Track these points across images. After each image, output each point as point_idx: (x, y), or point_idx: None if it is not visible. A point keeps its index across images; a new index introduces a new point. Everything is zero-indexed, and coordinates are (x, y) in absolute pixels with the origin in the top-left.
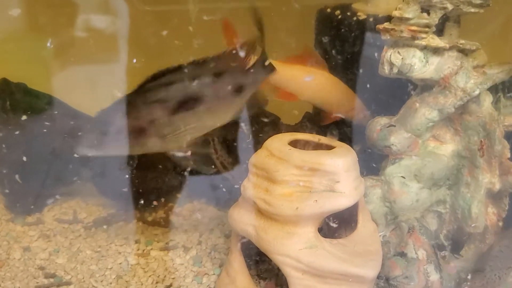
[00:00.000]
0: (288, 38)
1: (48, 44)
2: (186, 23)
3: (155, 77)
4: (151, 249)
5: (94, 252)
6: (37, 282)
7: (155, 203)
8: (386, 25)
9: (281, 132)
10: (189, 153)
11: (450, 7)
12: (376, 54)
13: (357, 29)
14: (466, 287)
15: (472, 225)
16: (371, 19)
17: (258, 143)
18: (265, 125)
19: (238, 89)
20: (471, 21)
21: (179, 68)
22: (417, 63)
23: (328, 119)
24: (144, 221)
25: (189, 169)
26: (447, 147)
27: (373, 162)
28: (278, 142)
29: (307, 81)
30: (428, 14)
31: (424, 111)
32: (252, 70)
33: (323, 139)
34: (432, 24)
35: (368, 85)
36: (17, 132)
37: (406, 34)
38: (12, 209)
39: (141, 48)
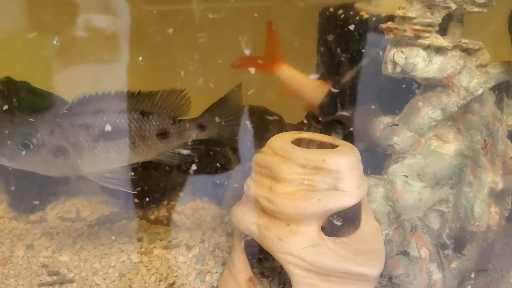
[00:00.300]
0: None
1: (55, 42)
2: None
3: (85, 101)
4: (154, 247)
5: (97, 250)
6: (40, 280)
7: (158, 201)
8: (390, 24)
9: (285, 131)
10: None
11: (453, 6)
12: (379, 53)
13: (360, 28)
14: (469, 286)
15: (475, 224)
16: (374, 19)
17: (261, 142)
18: (269, 123)
19: (163, 135)
20: (474, 20)
21: (111, 97)
22: (420, 62)
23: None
24: (147, 219)
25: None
26: (450, 146)
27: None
28: (281, 141)
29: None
30: (432, 13)
31: (427, 110)
32: (180, 124)
33: (326, 138)
34: (435, 24)
35: (371, 84)
36: None
37: (409, 33)
38: (16, 207)
39: (144, 47)
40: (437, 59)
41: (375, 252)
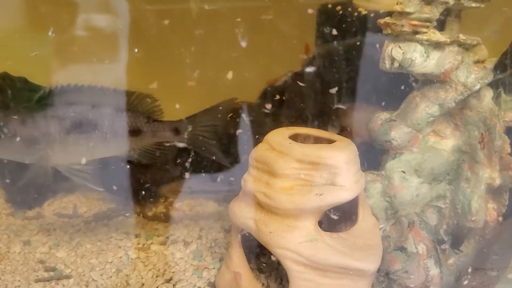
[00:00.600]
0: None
1: (50, 33)
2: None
3: (61, 92)
4: (152, 243)
5: (94, 246)
6: (37, 276)
7: (155, 198)
8: (387, 19)
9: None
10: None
11: (451, 1)
12: (377, 49)
13: (358, 25)
14: (466, 281)
15: (472, 219)
16: (372, 15)
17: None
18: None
19: (135, 133)
20: (472, 15)
21: (84, 90)
22: (418, 58)
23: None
24: (144, 215)
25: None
26: (447, 142)
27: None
28: (278, 136)
29: None
30: (430, 8)
31: (424, 106)
32: (154, 124)
33: (324, 133)
34: (433, 19)
35: (370, 80)
36: None
37: (407, 28)
38: (13, 203)
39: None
40: (435, 55)
41: (372, 248)
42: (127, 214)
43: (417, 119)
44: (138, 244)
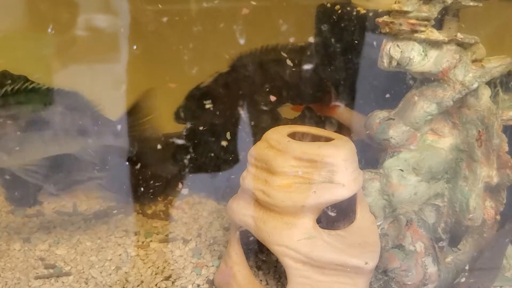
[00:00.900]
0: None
1: (49, 30)
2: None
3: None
4: (151, 241)
5: (94, 243)
6: (37, 273)
7: (155, 196)
8: (386, 18)
9: (281, 125)
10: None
11: (449, 0)
12: (375, 48)
13: (357, 24)
14: (464, 279)
15: (470, 217)
16: (370, 14)
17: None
18: (264, 117)
19: (82, 131)
20: (470, 14)
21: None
22: (416, 56)
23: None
24: (144, 214)
25: None
26: (445, 141)
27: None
28: (277, 134)
29: None
30: (428, 7)
31: (422, 104)
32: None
33: (322, 131)
34: (431, 18)
35: (367, 79)
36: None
37: (405, 27)
38: (13, 201)
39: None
40: (433, 53)
41: (370, 245)
42: (127, 212)
43: (415, 117)
44: (138, 242)
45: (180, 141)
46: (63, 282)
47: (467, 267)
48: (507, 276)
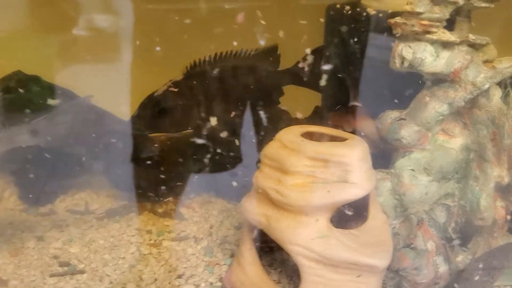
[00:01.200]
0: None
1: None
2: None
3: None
4: (163, 239)
5: (107, 242)
6: (51, 271)
7: (165, 195)
8: (398, 19)
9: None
10: None
11: (461, 1)
12: (385, 50)
13: (367, 25)
14: (478, 277)
15: (481, 217)
16: (380, 15)
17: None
18: (276, 118)
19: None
20: (481, 15)
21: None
22: (428, 57)
23: None
24: (155, 212)
25: None
26: (456, 141)
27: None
28: (290, 134)
29: None
30: (440, 8)
31: (434, 105)
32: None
33: (334, 131)
34: (443, 19)
35: (377, 79)
36: None
37: (417, 28)
38: (25, 200)
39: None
40: (445, 54)
41: (383, 244)
42: (138, 211)
43: (427, 117)
44: (150, 240)
45: (200, 141)
46: (77, 280)
47: (480, 266)
48: None
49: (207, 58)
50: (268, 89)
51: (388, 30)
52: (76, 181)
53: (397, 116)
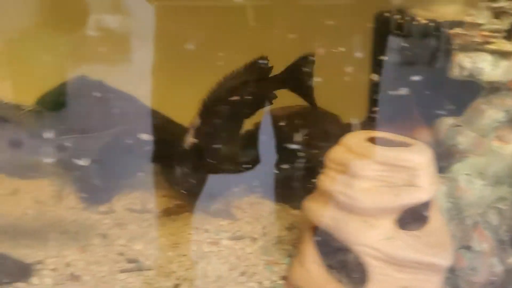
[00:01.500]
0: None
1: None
2: None
3: None
4: (221, 238)
5: (168, 239)
6: (120, 267)
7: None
8: (459, 30)
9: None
10: None
11: None
12: (443, 59)
13: (418, 33)
14: None
15: None
16: (432, 24)
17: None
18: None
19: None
20: None
21: None
22: (487, 67)
23: None
24: (207, 212)
25: None
26: (510, 147)
27: None
28: (356, 139)
29: None
30: (499, 19)
31: (491, 112)
32: None
33: (398, 137)
34: (502, 29)
35: (433, 86)
36: None
37: (478, 39)
38: (84, 199)
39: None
40: (503, 64)
41: (444, 245)
42: (192, 210)
43: (483, 124)
44: (208, 239)
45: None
46: (146, 276)
47: None
48: None
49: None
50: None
51: (440, 39)
52: (128, 181)
53: (453, 122)
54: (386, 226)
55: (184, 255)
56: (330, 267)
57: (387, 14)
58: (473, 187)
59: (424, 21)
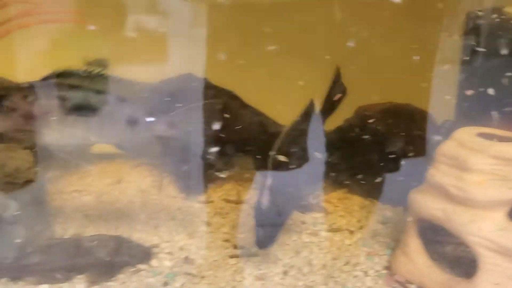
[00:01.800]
0: None
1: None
2: None
3: None
4: (319, 230)
5: None
6: (228, 252)
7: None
8: None
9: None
10: None
11: None
12: None
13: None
14: None
15: None
16: None
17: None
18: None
19: None
20: None
21: None
22: None
23: None
24: (299, 206)
25: None
26: None
27: None
28: (467, 134)
29: None
30: None
31: None
32: None
33: (507, 133)
34: None
35: None
36: None
37: None
38: (184, 189)
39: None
40: None
41: None
42: None
43: None
44: (307, 230)
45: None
46: (253, 262)
47: None
48: None
49: None
50: None
51: None
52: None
53: None
54: (499, 218)
55: (286, 244)
56: (435, 257)
57: (480, 13)
58: None
59: None
